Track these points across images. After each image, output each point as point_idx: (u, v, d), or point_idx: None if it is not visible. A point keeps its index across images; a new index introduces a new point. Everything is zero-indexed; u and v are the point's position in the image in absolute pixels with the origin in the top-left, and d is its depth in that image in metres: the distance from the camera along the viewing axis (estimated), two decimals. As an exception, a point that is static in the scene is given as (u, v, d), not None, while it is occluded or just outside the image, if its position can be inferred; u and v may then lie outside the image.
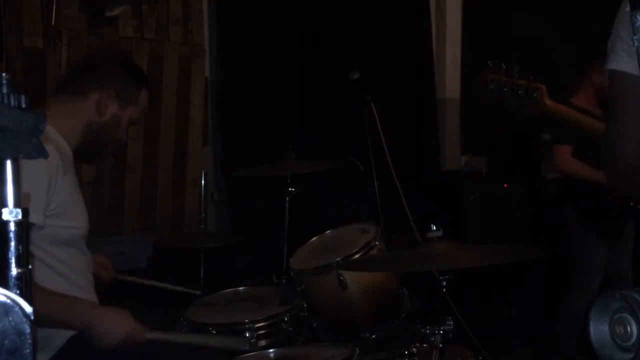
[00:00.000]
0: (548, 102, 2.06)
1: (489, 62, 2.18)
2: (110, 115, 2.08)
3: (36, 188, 1.81)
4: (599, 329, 0.90)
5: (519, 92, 2.04)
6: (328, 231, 2.82)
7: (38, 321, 1.79)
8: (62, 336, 1.93)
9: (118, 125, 2.12)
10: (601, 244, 3.58)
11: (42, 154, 0.84)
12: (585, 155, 3.49)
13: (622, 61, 1.36)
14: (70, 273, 1.98)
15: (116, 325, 1.87)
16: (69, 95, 2.07)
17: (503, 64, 2.07)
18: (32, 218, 1.77)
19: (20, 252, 0.82)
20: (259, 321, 2.39)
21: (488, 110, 4.02)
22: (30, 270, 0.82)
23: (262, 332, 2.38)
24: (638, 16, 1.13)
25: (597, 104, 3.58)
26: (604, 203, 3.46)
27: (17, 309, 0.75)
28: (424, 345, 2.14)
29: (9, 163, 0.82)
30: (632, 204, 3.37)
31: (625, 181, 1.46)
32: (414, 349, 2.16)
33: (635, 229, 3.64)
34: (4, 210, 0.81)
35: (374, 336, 2.47)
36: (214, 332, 2.36)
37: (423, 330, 1.97)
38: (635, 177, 1.41)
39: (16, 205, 0.82)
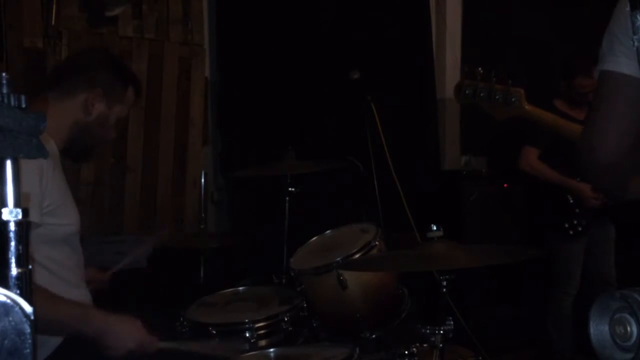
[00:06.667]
0: (527, 106, 2.04)
1: (464, 66, 2.15)
2: (97, 114, 2.09)
3: (30, 186, 1.82)
4: (599, 329, 0.90)
5: (497, 97, 2.02)
6: (328, 231, 2.82)
7: (49, 328, 1.80)
8: (57, 336, 1.93)
9: (104, 124, 2.13)
10: (573, 240, 3.68)
11: (42, 154, 0.84)
12: (551, 159, 3.65)
13: (619, 63, 1.36)
14: (62, 271, 1.99)
15: (127, 334, 1.87)
16: (58, 94, 2.07)
17: (480, 68, 2.04)
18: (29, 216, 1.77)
19: (20, 252, 0.81)
20: (259, 321, 2.39)
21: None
22: (30, 270, 0.82)
23: (262, 332, 2.38)
24: (638, 16, 1.13)
25: (579, 106, 3.63)
26: (564, 204, 3.65)
27: (17, 309, 0.75)
28: (424, 345, 2.14)
29: (9, 163, 0.82)
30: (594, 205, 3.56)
31: (600, 177, 1.49)
32: (414, 349, 2.16)
33: (617, 231, 3.71)
34: (4, 210, 0.81)
35: (374, 336, 2.47)
36: (214, 332, 2.36)
37: (423, 330, 1.97)
38: (610, 174, 1.44)
39: (16, 205, 0.82)
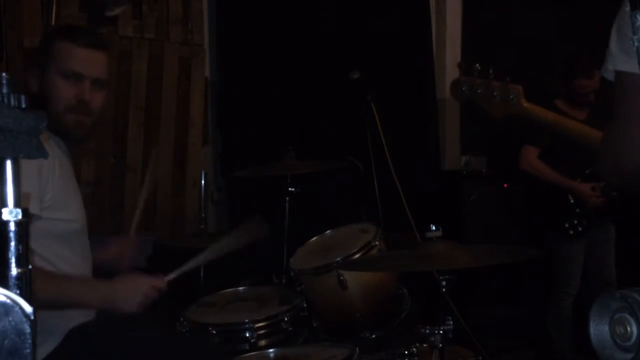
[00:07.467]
0: (525, 104, 1.98)
1: (461, 62, 2.11)
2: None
3: (28, 178, 1.81)
4: (599, 329, 0.90)
5: (494, 94, 1.96)
6: (328, 231, 2.82)
7: (56, 306, 1.80)
8: (60, 332, 1.94)
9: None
10: (573, 240, 3.67)
11: (42, 154, 0.85)
12: (551, 158, 3.64)
13: (633, 62, 1.34)
14: (68, 266, 1.98)
15: (134, 289, 1.91)
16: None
17: (477, 65, 1.99)
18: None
19: (20, 252, 0.82)
20: (259, 321, 2.39)
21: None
22: (30, 270, 0.82)
23: (262, 332, 2.38)
24: (638, 16, 1.12)
25: (580, 106, 3.62)
26: (565, 204, 3.65)
27: (17, 309, 0.76)
28: (424, 345, 2.14)
29: (9, 163, 0.82)
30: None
31: (627, 182, 1.46)
32: (414, 349, 2.17)
33: (617, 231, 3.71)
34: (4, 210, 0.81)
35: (374, 336, 2.47)
36: (214, 332, 2.36)
37: (423, 330, 1.97)
38: (636, 178, 1.41)
39: (16, 205, 0.82)
